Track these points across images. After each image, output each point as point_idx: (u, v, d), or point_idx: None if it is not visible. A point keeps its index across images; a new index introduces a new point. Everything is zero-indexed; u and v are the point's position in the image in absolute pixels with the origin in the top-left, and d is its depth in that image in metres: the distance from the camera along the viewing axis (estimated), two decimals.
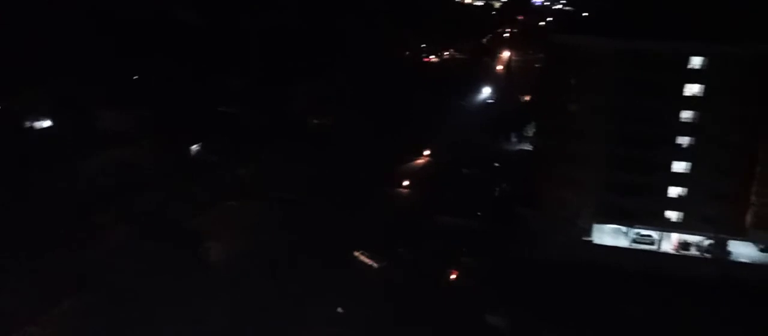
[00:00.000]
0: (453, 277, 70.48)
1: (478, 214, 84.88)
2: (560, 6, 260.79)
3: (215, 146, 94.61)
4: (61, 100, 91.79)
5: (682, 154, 72.08)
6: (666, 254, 74.61)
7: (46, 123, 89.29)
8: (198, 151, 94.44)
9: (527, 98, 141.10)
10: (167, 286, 64.59)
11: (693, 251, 74.67)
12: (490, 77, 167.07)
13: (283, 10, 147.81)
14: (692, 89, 69.75)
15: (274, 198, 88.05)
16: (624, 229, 77.09)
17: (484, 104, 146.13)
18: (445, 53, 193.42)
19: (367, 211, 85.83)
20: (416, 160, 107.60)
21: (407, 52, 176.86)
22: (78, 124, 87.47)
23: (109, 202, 77.01)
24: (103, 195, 78.02)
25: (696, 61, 69.05)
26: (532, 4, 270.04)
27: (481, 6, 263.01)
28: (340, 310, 63.10)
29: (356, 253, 74.03)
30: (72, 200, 73.49)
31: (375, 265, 72.29)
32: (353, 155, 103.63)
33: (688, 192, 72.99)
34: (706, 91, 69.23)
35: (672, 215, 74.29)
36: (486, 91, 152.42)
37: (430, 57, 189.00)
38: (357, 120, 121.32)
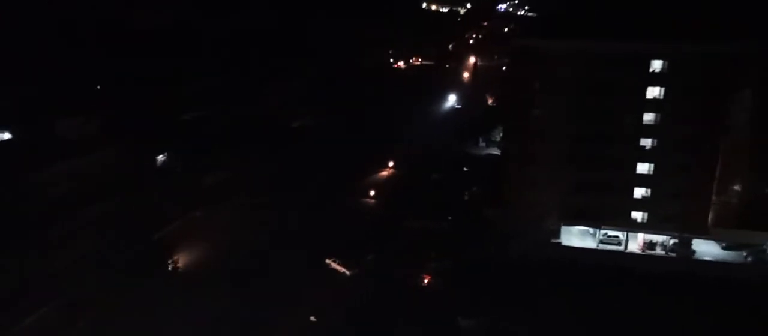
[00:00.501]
0: (426, 281, 70.56)
1: (449, 218, 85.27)
2: (524, 12, 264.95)
3: (182, 153, 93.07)
4: (18, 107, 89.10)
5: (644, 154, 73.73)
6: (632, 254, 76.04)
7: (5, 133, 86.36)
8: (164, 159, 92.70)
9: (494, 102, 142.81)
10: (132, 299, 63.24)
11: (658, 251, 76.30)
12: (456, 83, 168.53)
13: (253, 12, 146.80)
14: (653, 89, 71.41)
15: (243, 205, 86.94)
16: (591, 230, 78.44)
17: (452, 110, 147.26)
18: (413, 59, 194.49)
19: (338, 216, 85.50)
20: (386, 166, 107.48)
21: (376, 58, 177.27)
22: (36, 132, 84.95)
23: (69, 213, 75.30)
24: (63, 205, 76.26)
25: (656, 62, 70.74)
26: (497, 11, 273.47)
27: (446, 13, 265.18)
28: (312, 318, 62.55)
29: (328, 261, 73.58)
30: (31, 211, 71.40)
31: (347, 272, 71.95)
32: (324, 160, 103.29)
33: (652, 192, 74.70)
34: (666, 91, 70.92)
35: (637, 215, 75.81)
36: (453, 97, 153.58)
37: (399, 63, 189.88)
38: (327, 125, 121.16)
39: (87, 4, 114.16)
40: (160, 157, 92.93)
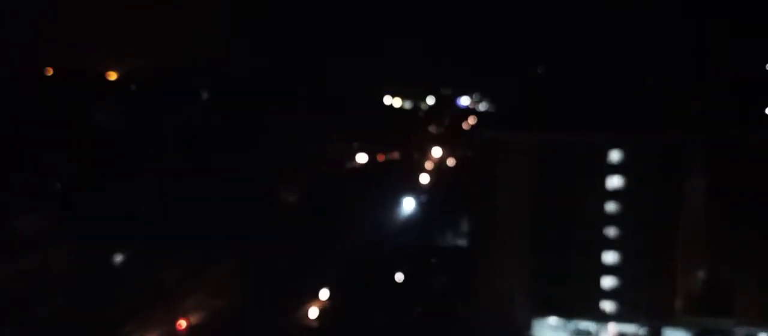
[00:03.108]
0: None
1: (418, 310, 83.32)
2: (484, 108, 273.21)
3: (137, 249, 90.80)
4: None
5: (608, 242, 73.89)
6: None
7: None
8: (119, 257, 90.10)
9: (458, 194, 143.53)
10: None
11: None
12: (420, 176, 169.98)
13: (210, 108, 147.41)
14: (611, 178, 72.63)
15: (199, 306, 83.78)
16: (562, 322, 77.08)
17: (417, 203, 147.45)
18: (378, 154, 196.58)
19: (301, 316, 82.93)
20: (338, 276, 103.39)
21: (337, 154, 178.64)
22: None
23: (15, 314, 71.96)
24: (10, 306, 73.01)
25: (613, 151, 72.25)
26: (458, 106, 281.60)
27: (409, 108, 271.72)
28: None
29: None
30: None
31: None
32: (284, 257, 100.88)
33: (618, 281, 74.28)
34: (624, 179, 72.22)
35: (606, 306, 74.96)
36: (418, 190, 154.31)
37: (363, 157, 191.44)
38: (290, 223, 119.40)
39: (41, 100, 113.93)
40: (116, 254, 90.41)
